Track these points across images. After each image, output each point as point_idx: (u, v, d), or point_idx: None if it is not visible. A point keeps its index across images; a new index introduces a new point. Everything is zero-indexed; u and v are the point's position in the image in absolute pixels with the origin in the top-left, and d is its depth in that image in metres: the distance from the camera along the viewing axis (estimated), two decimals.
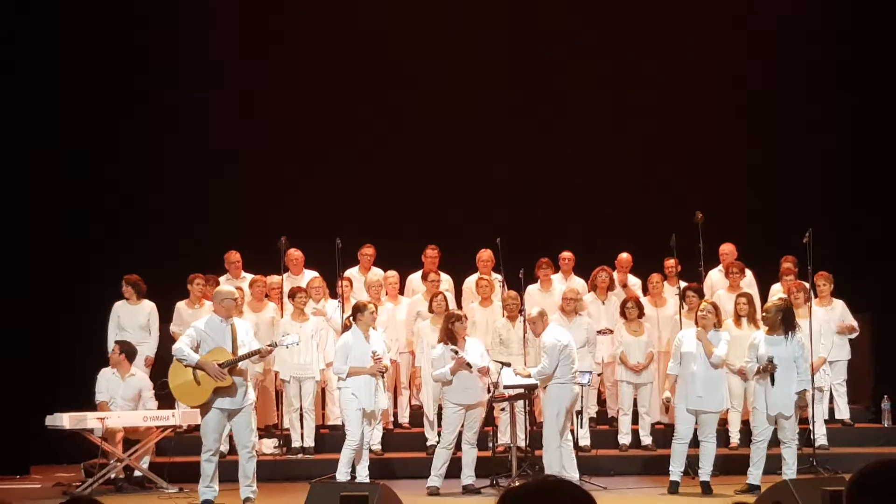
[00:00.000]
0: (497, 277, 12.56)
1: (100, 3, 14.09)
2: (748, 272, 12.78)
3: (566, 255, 13.13)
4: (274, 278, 12.59)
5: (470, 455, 10.73)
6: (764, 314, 10.58)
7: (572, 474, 10.42)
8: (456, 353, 10.55)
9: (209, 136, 14.27)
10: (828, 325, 12.12)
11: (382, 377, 10.50)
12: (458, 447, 10.80)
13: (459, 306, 12.82)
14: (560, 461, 10.41)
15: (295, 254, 12.85)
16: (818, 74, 14.35)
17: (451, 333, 10.66)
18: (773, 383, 10.16)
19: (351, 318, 10.74)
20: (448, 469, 10.68)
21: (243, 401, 9.59)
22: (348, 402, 10.42)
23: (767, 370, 10.15)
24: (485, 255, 12.78)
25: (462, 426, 10.71)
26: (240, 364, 9.52)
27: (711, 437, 10.51)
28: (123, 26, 14.06)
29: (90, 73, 13.90)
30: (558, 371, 10.50)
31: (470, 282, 13.00)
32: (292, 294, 12.10)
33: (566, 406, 10.54)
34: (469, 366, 10.56)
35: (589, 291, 12.68)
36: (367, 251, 13.01)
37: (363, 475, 10.40)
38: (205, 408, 9.50)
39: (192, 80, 14.29)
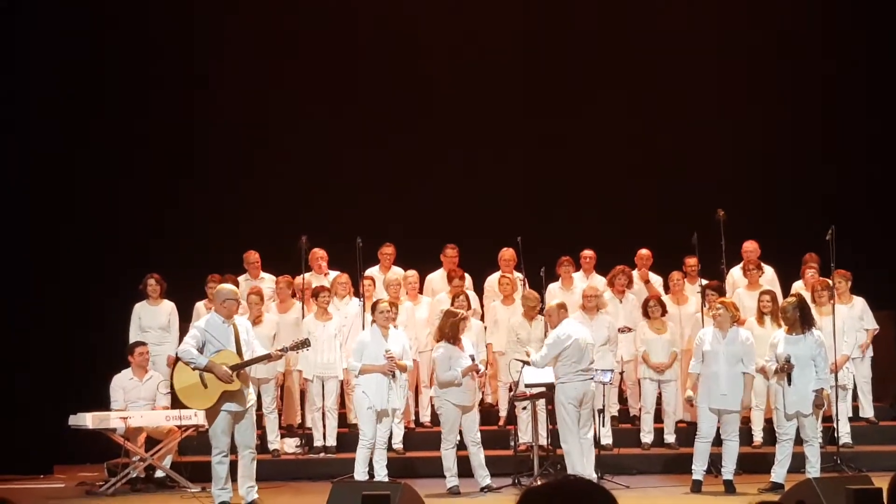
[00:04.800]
0: (518, 276, 12.54)
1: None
2: (769, 269, 12.73)
3: (587, 253, 13.11)
4: (296, 278, 12.61)
5: (478, 456, 10.54)
6: (781, 313, 10.53)
7: (589, 472, 10.31)
8: (472, 358, 10.48)
9: (228, 136, 14.31)
10: (850, 322, 12.04)
11: (394, 376, 10.37)
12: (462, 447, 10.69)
13: (482, 305, 12.83)
14: (580, 459, 10.29)
15: (319, 253, 12.87)
16: (842, 73, 14.29)
17: (455, 331, 10.45)
18: (789, 382, 10.10)
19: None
20: (463, 470, 10.60)
21: (247, 403, 9.53)
22: (360, 401, 10.38)
23: (784, 369, 10.09)
24: (507, 253, 12.76)
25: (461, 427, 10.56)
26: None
27: (734, 435, 10.45)
28: (139, 20, 14.10)
29: (105, 69, 13.94)
30: (559, 369, 10.33)
31: (492, 280, 13.00)
32: (316, 293, 12.09)
33: (570, 404, 10.27)
34: (477, 372, 10.52)
35: (607, 288, 12.64)
36: (387, 250, 13.02)
37: (382, 474, 10.36)
38: (211, 411, 9.39)
39: (211, 79, 14.33)
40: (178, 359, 9.57)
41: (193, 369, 9.29)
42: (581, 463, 10.28)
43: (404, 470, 11.27)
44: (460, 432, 10.57)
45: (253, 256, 12.96)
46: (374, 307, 10.70)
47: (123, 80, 14.01)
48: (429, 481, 10.88)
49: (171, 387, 9.74)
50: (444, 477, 10.57)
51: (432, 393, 11.11)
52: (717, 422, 10.47)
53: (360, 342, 10.52)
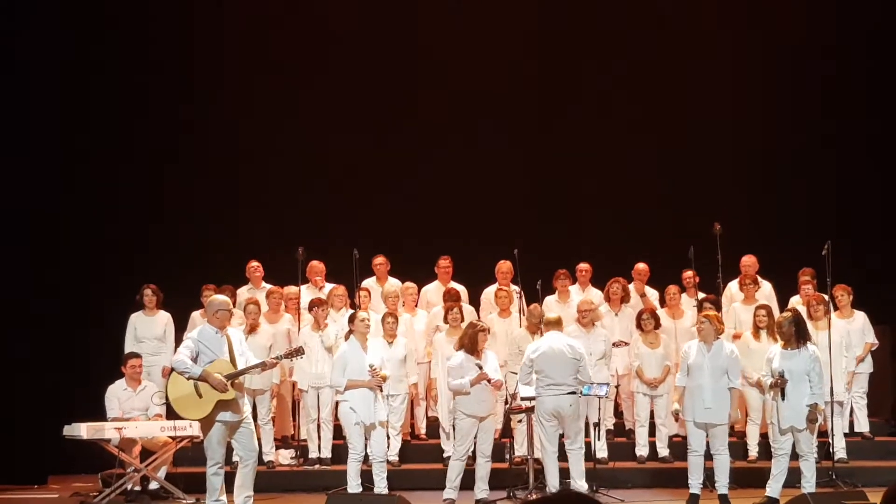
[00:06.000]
0: (515, 289, 12.54)
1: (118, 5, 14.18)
2: (766, 284, 12.72)
3: (583, 266, 13.11)
4: (291, 289, 12.58)
5: (485, 468, 10.56)
6: (777, 328, 10.51)
7: (580, 484, 10.46)
8: (480, 367, 10.47)
9: (225, 144, 14.32)
10: (849, 337, 12.03)
11: (381, 390, 10.37)
12: (472, 458, 10.72)
13: (479, 318, 12.81)
14: (552, 473, 10.40)
15: (319, 267, 12.86)
16: (840, 87, 14.34)
17: (473, 343, 10.54)
18: (783, 397, 10.07)
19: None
20: (463, 481, 10.60)
21: (242, 412, 9.46)
22: (347, 416, 10.34)
23: (778, 384, 10.07)
24: (504, 266, 12.75)
25: (475, 438, 10.61)
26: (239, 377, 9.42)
27: (723, 449, 10.30)
28: (138, 28, 14.13)
29: (102, 74, 13.94)
30: (536, 383, 10.51)
31: (488, 293, 12.99)
32: (312, 306, 12.05)
33: (543, 419, 10.47)
34: (489, 381, 10.52)
35: (604, 302, 12.65)
36: (379, 261, 13.02)
37: (382, 486, 10.31)
38: (206, 421, 9.31)
39: (208, 88, 14.35)
40: (172, 369, 9.53)
41: (188, 379, 9.20)
42: (555, 476, 10.37)
43: (400, 482, 11.22)
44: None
45: (254, 265, 12.97)
46: (351, 318, 10.67)
47: (123, 85, 14.02)
48: (425, 493, 10.88)
49: (166, 397, 9.66)
50: (440, 490, 10.54)
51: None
52: (706, 435, 10.43)
53: (341, 356, 10.45)
